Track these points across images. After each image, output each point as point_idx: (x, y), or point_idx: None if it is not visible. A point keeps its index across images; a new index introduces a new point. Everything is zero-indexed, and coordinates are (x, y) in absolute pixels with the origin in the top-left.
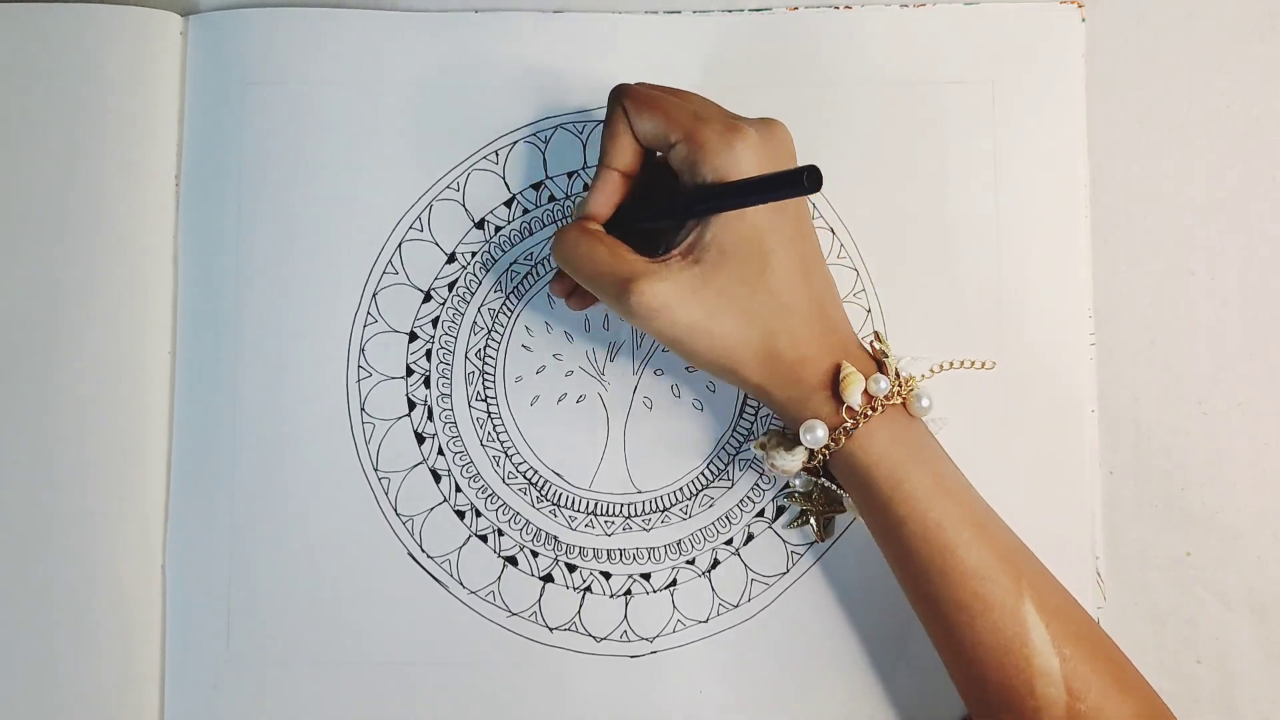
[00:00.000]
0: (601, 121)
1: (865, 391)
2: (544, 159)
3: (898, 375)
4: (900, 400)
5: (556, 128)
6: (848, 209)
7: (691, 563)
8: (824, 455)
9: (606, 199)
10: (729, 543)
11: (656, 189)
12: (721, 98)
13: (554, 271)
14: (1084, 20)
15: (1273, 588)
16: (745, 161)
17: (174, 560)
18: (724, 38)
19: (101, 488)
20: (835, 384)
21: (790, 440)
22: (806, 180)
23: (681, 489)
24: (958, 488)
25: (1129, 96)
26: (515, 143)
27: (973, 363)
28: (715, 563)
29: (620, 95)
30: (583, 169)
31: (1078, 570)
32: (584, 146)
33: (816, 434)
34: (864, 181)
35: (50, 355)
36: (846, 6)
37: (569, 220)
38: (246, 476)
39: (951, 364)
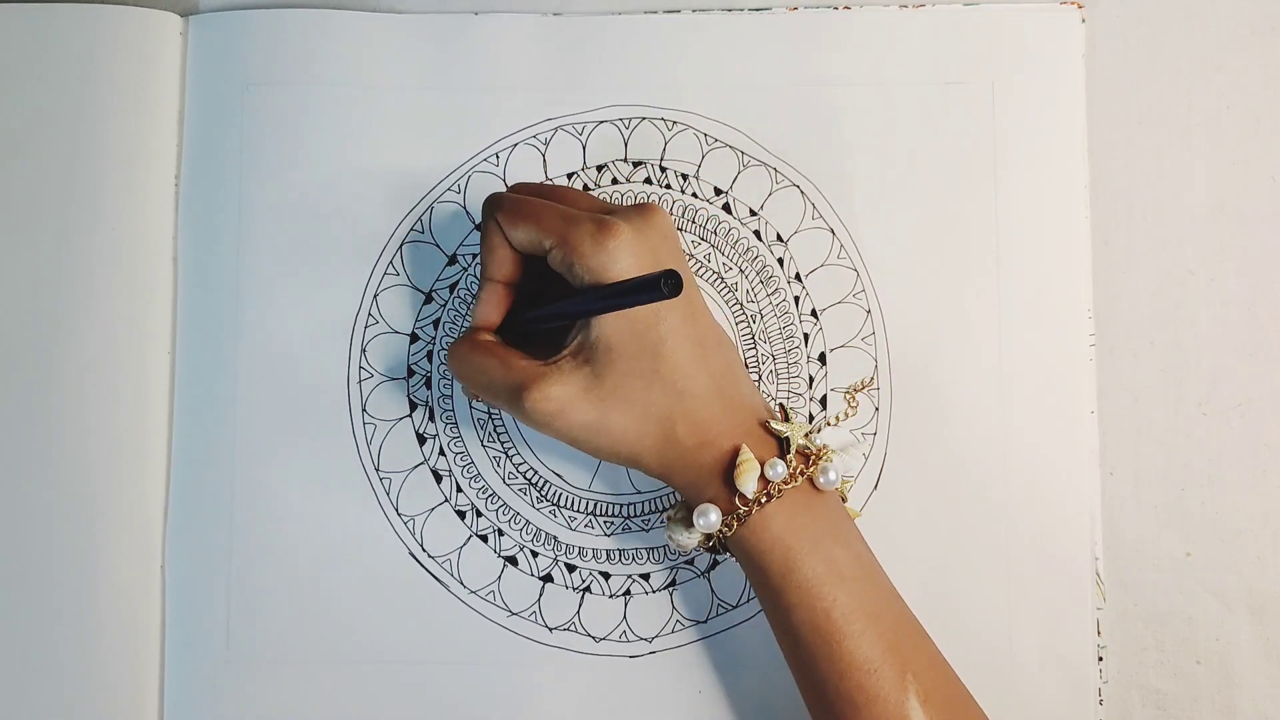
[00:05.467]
0: (601, 123)
1: (762, 476)
2: (544, 160)
3: (803, 451)
4: (804, 479)
5: (556, 129)
6: (848, 209)
7: (690, 563)
8: (719, 537)
9: (493, 309)
10: None
11: (550, 287)
12: (722, 98)
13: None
14: (1084, 21)
15: (1272, 588)
16: (621, 259)
17: (174, 560)
18: (724, 38)
19: (101, 488)
20: (733, 469)
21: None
22: (665, 287)
23: None
24: (854, 575)
25: (1129, 96)
26: (516, 144)
27: (860, 385)
28: (714, 563)
29: (492, 207)
30: (581, 169)
31: (1078, 570)
32: (584, 148)
33: (709, 518)
34: (864, 182)
35: (50, 355)
36: (846, 7)
37: (464, 326)
38: (246, 476)
39: (850, 401)
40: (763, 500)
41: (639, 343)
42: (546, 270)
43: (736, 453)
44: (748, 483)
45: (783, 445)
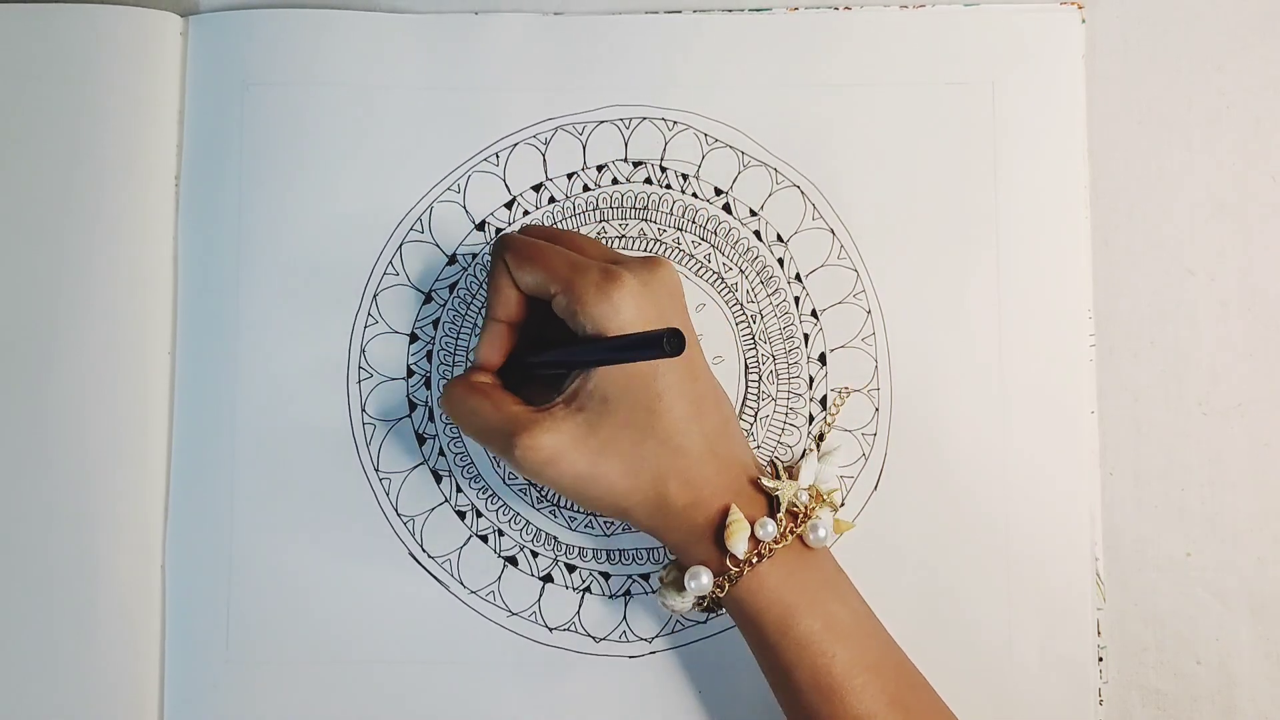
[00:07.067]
0: (601, 123)
1: (753, 536)
2: (544, 160)
3: (793, 508)
4: (795, 537)
5: (556, 129)
6: (847, 209)
7: None
8: (713, 598)
9: (495, 349)
10: None
11: (553, 331)
12: (722, 98)
13: None
14: (1084, 21)
15: (1273, 588)
16: (625, 311)
17: (174, 560)
18: (724, 38)
19: (101, 488)
20: (723, 529)
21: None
22: (667, 344)
23: None
24: (852, 629)
25: (1129, 96)
26: (516, 144)
27: (843, 394)
28: None
29: (501, 248)
30: (582, 169)
31: (1078, 570)
32: (584, 148)
33: (701, 581)
34: (864, 182)
35: (50, 355)
36: (846, 7)
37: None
38: (246, 476)
39: (831, 412)
40: (754, 560)
41: (636, 397)
42: (551, 314)
43: (727, 512)
44: (738, 543)
45: (773, 503)
